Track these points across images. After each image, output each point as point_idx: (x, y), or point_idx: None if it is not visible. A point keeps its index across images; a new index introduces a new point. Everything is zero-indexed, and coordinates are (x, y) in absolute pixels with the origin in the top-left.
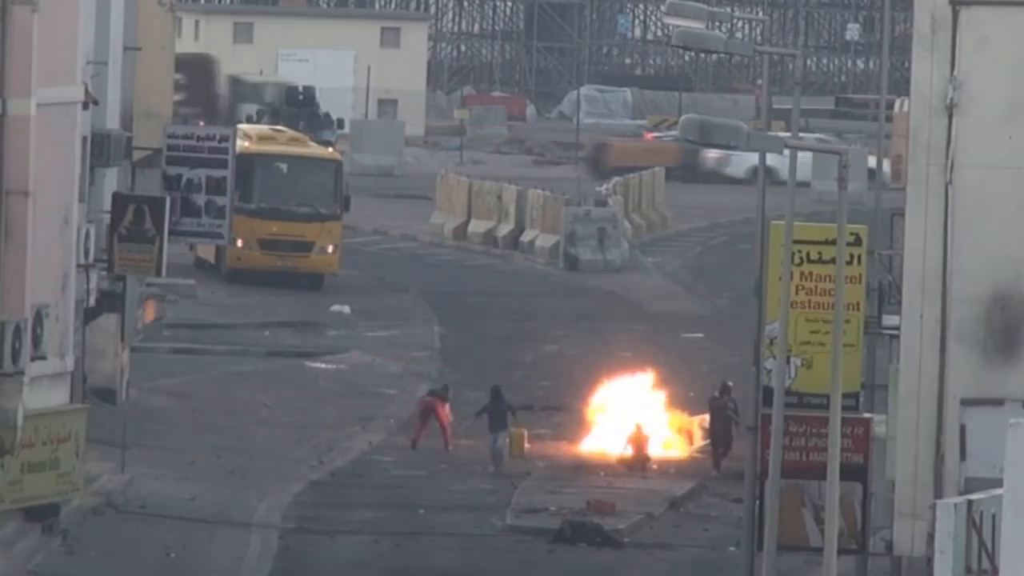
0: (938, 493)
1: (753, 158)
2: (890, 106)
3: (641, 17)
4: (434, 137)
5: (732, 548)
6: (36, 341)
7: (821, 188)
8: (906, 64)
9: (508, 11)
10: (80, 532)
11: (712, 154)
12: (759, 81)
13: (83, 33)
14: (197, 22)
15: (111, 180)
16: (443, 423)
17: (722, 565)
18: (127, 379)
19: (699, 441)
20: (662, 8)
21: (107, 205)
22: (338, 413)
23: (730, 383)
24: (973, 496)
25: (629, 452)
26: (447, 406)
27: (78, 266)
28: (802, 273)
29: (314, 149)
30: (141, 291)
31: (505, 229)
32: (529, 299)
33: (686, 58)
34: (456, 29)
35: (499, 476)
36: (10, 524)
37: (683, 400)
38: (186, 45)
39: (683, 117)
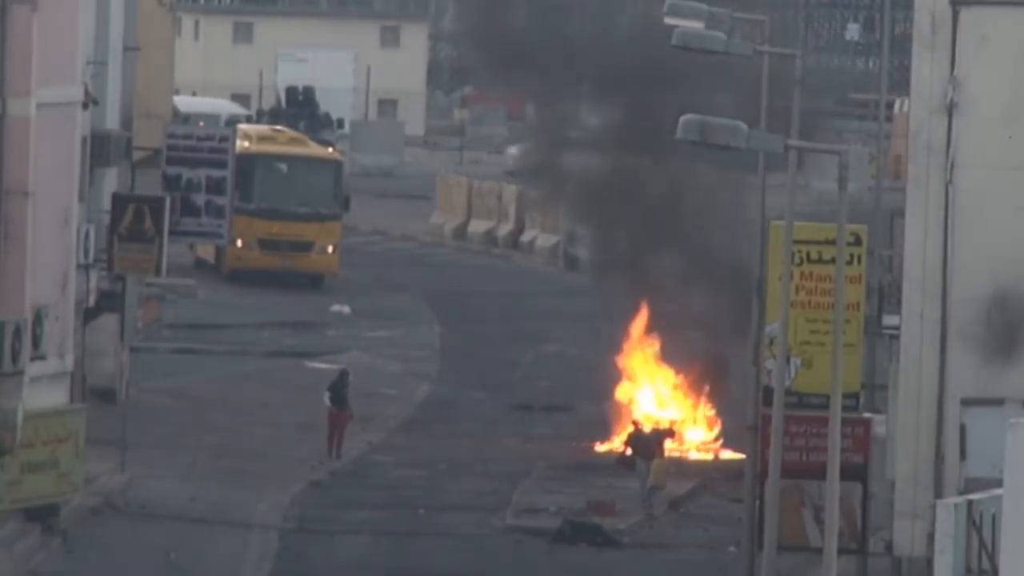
0: (938, 493)
1: None
2: (890, 106)
3: None
4: (434, 137)
5: (732, 548)
6: (36, 341)
7: (821, 188)
8: (906, 64)
9: None
10: (80, 532)
11: None
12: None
13: (83, 33)
14: (197, 22)
15: (111, 180)
16: (341, 432)
17: (722, 565)
18: (127, 379)
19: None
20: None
21: (107, 205)
22: None
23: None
24: (973, 496)
25: (628, 452)
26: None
27: (78, 266)
28: (802, 273)
29: (314, 149)
30: (141, 291)
31: (505, 229)
32: (529, 299)
33: None
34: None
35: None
36: (10, 524)
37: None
38: (186, 45)
39: (683, 117)
